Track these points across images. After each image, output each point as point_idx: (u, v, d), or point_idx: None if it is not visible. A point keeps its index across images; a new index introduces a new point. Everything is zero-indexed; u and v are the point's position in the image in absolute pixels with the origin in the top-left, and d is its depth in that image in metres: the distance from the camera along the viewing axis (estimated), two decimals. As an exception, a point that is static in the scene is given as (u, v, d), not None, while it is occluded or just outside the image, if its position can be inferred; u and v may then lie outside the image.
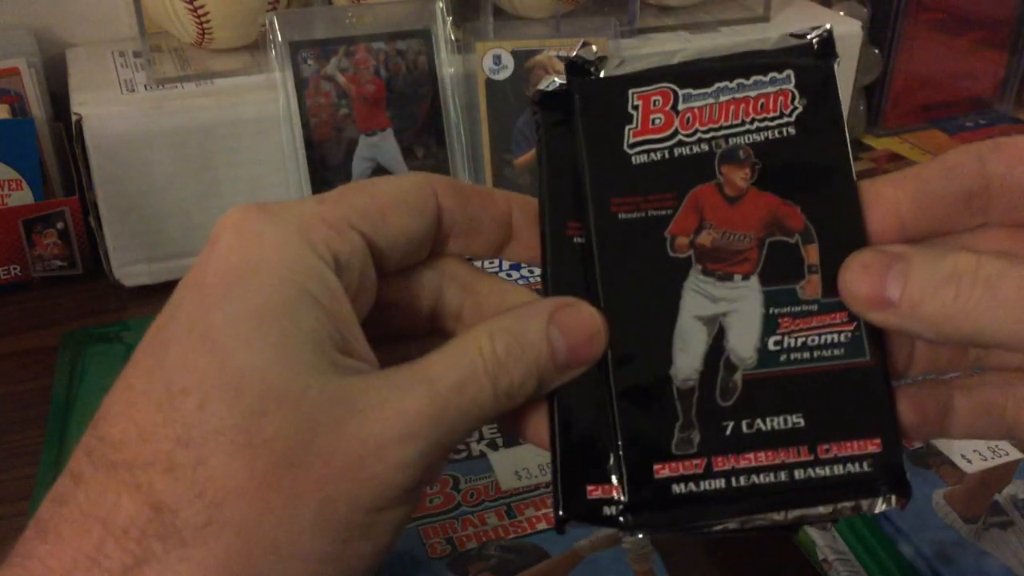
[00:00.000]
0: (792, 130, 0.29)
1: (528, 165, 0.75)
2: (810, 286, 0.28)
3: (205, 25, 0.70)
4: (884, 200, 0.29)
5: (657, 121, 0.29)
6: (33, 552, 0.25)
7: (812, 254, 0.28)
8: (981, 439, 0.51)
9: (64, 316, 0.68)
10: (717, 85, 0.29)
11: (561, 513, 0.28)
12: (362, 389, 0.26)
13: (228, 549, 0.24)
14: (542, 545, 0.45)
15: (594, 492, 0.28)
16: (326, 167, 0.71)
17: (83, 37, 0.80)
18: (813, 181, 0.29)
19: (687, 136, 0.29)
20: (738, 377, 0.28)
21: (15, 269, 0.69)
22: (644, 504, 0.27)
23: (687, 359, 0.28)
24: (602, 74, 0.30)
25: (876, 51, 0.90)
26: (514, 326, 0.28)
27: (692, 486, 0.27)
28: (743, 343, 0.28)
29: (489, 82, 0.74)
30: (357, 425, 0.25)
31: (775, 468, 0.27)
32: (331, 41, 0.70)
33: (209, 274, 0.26)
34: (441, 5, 0.72)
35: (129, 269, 0.70)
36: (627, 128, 0.29)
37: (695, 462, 0.27)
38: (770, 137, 0.29)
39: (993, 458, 0.49)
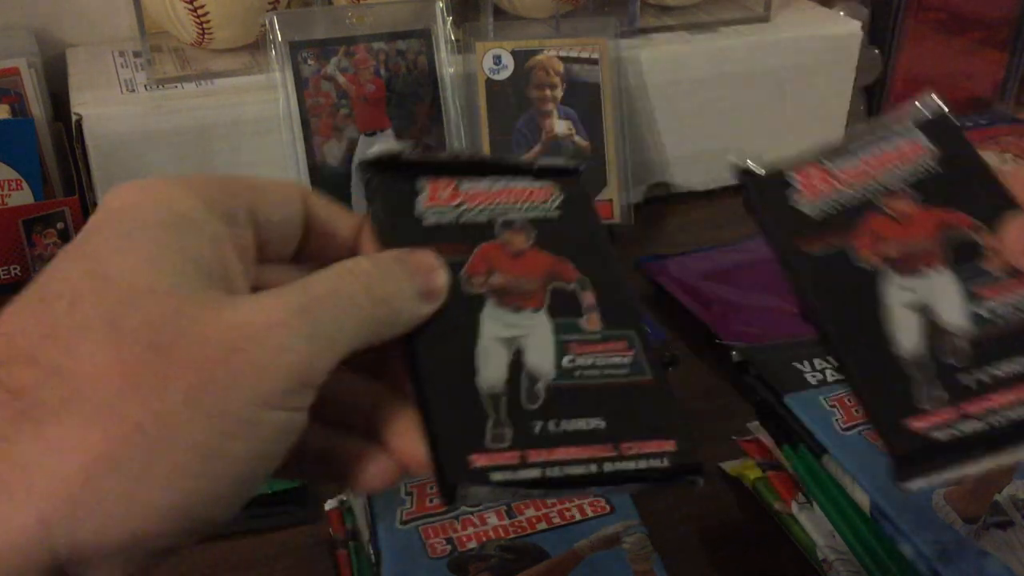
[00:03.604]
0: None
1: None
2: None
3: (205, 25, 0.70)
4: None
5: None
6: None
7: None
8: None
9: (64, 316, 0.68)
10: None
11: (448, 479, 0.29)
12: (234, 293, 0.27)
13: (85, 426, 0.24)
14: (542, 545, 0.45)
15: (479, 460, 0.29)
16: (326, 167, 0.71)
17: (83, 37, 0.80)
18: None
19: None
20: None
21: (15, 269, 0.69)
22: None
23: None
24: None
25: (876, 51, 0.90)
26: (372, 256, 0.31)
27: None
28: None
29: (489, 82, 0.74)
30: (232, 312, 0.26)
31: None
32: (331, 41, 0.70)
33: (93, 219, 0.28)
34: (441, 5, 0.72)
35: (129, 269, 0.70)
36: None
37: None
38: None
39: (993, 458, 0.49)
